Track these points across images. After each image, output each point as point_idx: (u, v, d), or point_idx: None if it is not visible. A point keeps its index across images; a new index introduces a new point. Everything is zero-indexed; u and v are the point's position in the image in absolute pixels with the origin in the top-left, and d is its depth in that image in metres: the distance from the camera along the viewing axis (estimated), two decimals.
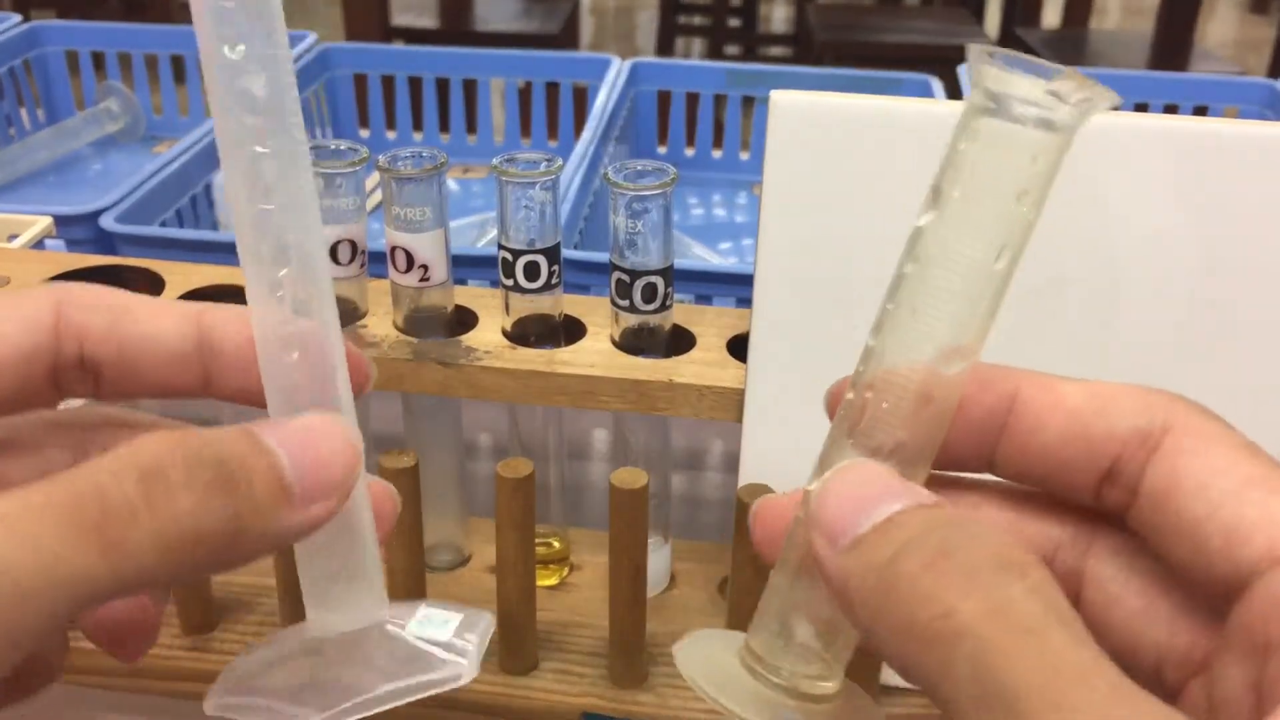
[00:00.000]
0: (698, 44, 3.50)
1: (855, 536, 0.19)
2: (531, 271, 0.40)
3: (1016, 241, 0.20)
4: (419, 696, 0.24)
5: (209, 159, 0.91)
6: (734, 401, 0.39)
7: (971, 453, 0.22)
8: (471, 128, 1.17)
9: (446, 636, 0.25)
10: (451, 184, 1.11)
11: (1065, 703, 0.15)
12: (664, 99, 1.13)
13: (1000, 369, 0.21)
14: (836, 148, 0.35)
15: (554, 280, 0.41)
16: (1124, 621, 0.21)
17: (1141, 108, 1.07)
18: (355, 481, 0.22)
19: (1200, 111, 1.07)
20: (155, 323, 0.24)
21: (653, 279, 0.40)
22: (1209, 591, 0.19)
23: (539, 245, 0.40)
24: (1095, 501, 0.21)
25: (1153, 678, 0.20)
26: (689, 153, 1.14)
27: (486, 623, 0.25)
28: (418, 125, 1.16)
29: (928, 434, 0.21)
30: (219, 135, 0.22)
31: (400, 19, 2.45)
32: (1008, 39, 2.68)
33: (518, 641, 0.43)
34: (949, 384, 0.20)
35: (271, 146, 0.21)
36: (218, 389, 0.24)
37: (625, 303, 0.40)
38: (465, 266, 0.71)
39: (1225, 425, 0.20)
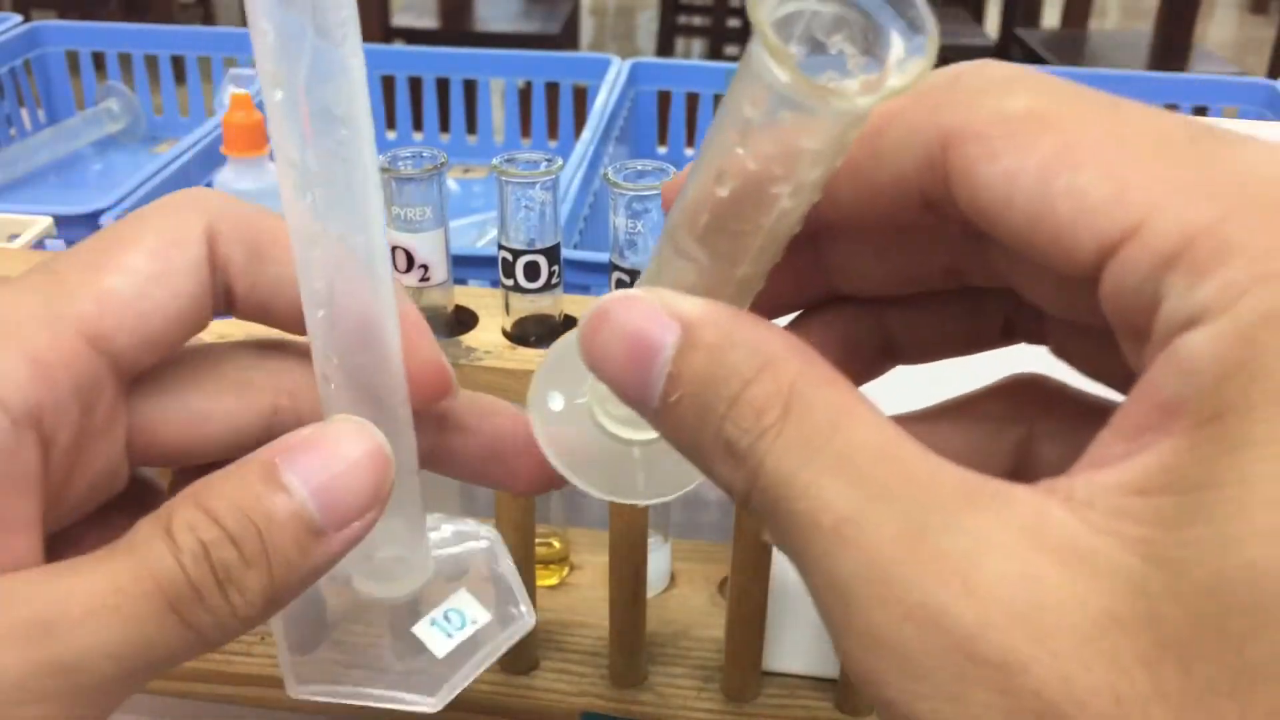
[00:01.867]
0: (698, 44, 3.50)
1: (653, 409, 0.18)
2: (531, 271, 0.40)
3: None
4: (500, 655, 0.24)
5: (209, 159, 0.91)
6: None
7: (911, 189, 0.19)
8: (471, 128, 1.17)
9: (483, 583, 0.25)
10: (451, 184, 1.11)
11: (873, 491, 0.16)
12: (664, 99, 1.13)
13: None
14: None
15: (554, 280, 0.41)
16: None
17: None
18: (388, 491, 0.21)
19: (1200, 112, 1.07)
20: (288, 267, 0.23)
21: None
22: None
23: (539, 245, 0.40)
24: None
25: None
26: (689, 153, 1.14)
27: (501, 549, 0.26)
28: (418, 125, 1.16)
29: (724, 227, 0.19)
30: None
31: (400, 19, 2.45)
32: (1007, 39, 2.68)
33: (518, 641, 0.43)
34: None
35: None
36: None
37: None
38: (465, 266, 0.71)
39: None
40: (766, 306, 0.21)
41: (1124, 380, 0.17)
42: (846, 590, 0.16)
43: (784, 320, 0.23)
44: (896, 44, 0.17)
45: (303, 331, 0.22)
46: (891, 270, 0.22)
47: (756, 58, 0.17)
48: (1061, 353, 0.22)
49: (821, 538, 0.16)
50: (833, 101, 0.16)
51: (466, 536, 0.27)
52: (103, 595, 0.19)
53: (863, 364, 0.23)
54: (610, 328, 0.19)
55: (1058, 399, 0.22)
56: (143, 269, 0.22)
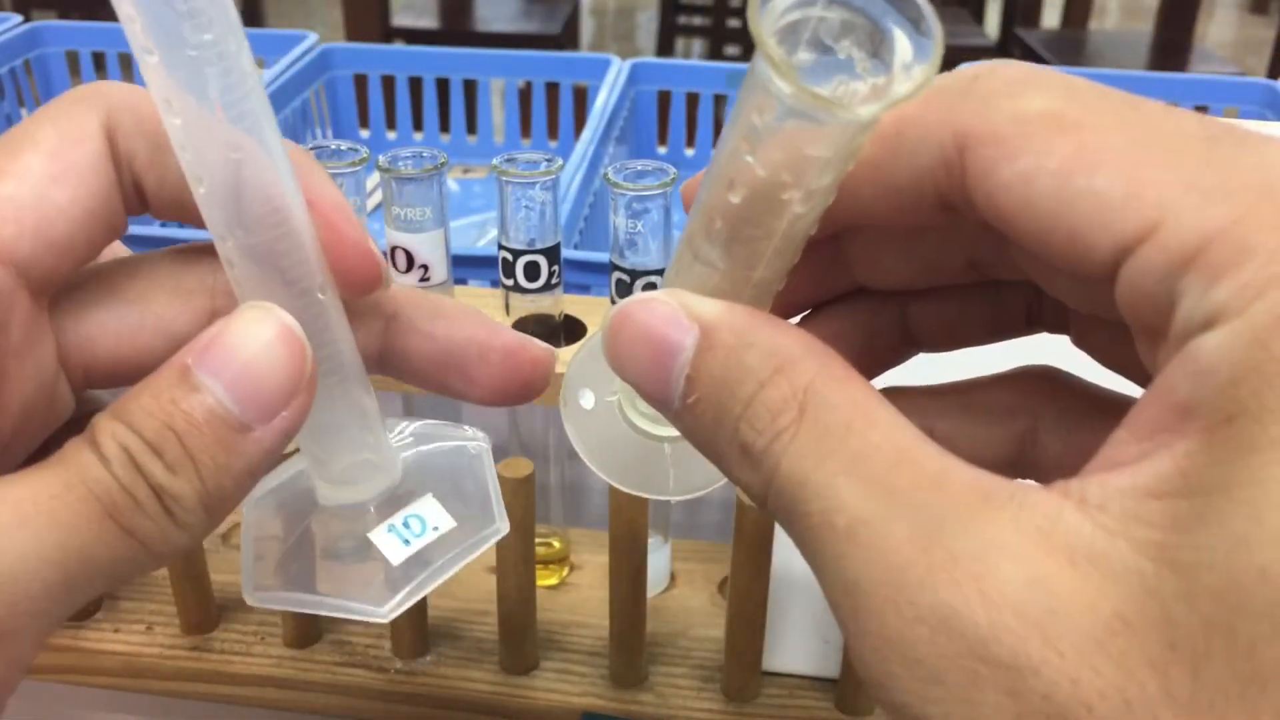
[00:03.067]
0: (698, 44, 3.50)
1: (673, 410, 0.19)
2: (531, 271, 0.40)
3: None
4: (471, 558, 0.23)
5: None
6: None
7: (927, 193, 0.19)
8: (471, 128, 1.17)
9: (460, 489, 0.24)
10: (451, 184, 1.11)
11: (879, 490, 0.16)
12: (664, 99, 1.13)
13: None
14: None
15: (554, 280, 0.41)
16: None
17: None
18: (309, 374, 0.20)
19: (1200, 111, 1.07)
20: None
21: (653, 279, 0.40)
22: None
23: (539, 245, 0.40)
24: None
25: None
26: (689, 153, 1.14)
27: (488, 458, 0.24)
28: (418, 125, 1.16)
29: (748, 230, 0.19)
30: None
31: (400, 19, 2.45)
32: (1007, 39, 2.68)
33: (518, 641, 0.43)
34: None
35: None
36: None
37: None
38: (465, 266, 0.71)
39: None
40: (789, 302, 0.21)
41: (1144, 372, 0.17)
42: (859, 592, 0.16)
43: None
44: (904, 47, 0.17)
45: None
46: (913, 265, 0.22)
47: (760, 68, 0.17)
48: (1082, 343, 0.22)
49: (835, 539, 0.16)
50: (837, 112, 0.16)
51: (453, 439, 0.25)
52: (34, 503, 0.18)
53: (884, 352, 0.23)
54: (631, 330, 0.19)
55: (1066, 391, 0.22)
56: (38, 170, 0.20)
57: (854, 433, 0.17)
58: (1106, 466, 0.16)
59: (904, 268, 0.22)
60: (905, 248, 0.21)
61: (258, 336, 0.20)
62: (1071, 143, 0.16)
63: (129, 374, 0.22)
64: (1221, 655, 0.14)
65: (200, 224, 0.21)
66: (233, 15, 0.19)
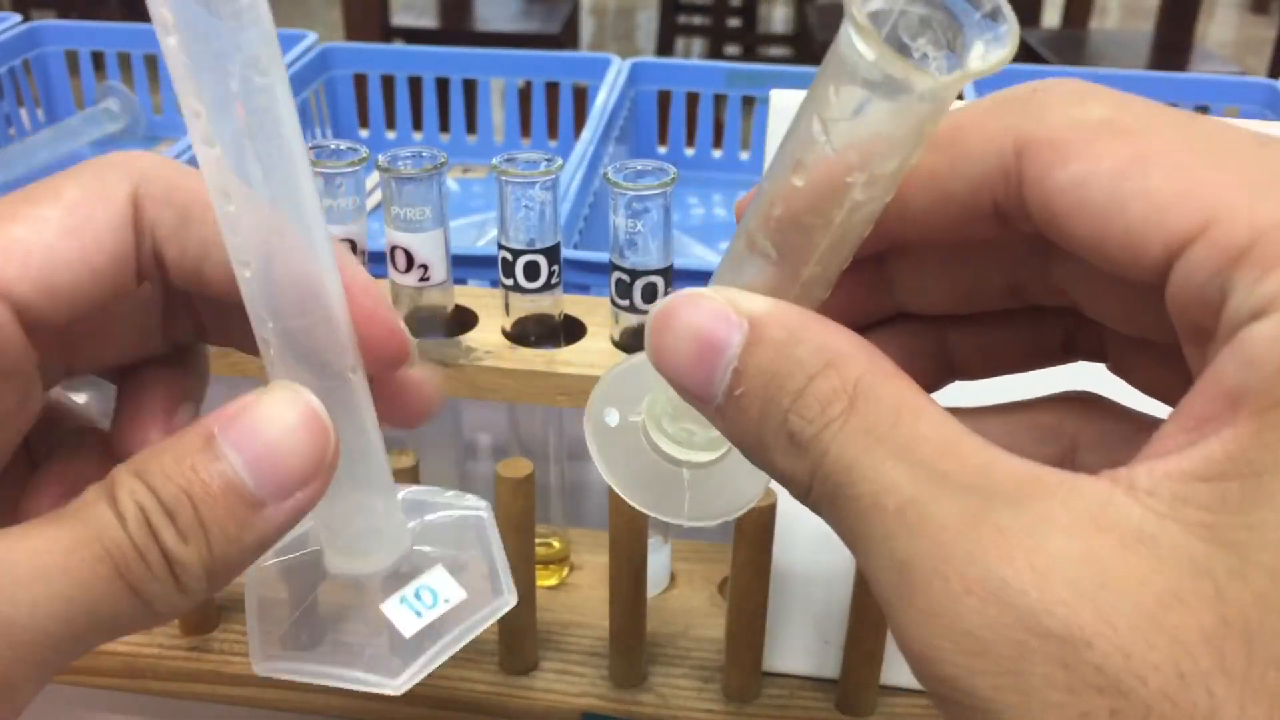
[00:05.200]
0: (698, 44, 3.50)
1: (716, 405, 0.19)
2: (531, 271, 0.40)
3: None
4: (474, 636, 0.24)
5: None
6: None
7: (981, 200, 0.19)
8: (471, 128, 1.17)
9: (466, 559, 0.24)
10: (451, 184, 1.11)
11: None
12: (664, 99, 1.13)
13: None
14: None
15: (554, 280, 0.41)
16: None
17: None
18: (330, 459, 0.21)
19: (1200, 111, 1.07)
20: (220, 249, 0.22)
21: (653, 279, 0.40)
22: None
23: (539, 245, 0.40)
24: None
25: None
26: (689, 153, 1.14)
27: (494, 530, 0.25)
28: (418, 125, 1.16)
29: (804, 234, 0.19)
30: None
31: (400, 19, 2.45)
32: None
33: (518, 641, 0.43)
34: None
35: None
36: None
37: (625, 303, 0.40)
38: (465, 266, 0.71)
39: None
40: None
41: (1181, 397, 0.17)
42: (908, 569, 0.16)
43: None
44: (977, 46, 0.17)
45: (238, 299, 0.21)
46: (955, 287, 0.22)
47: (844, 41, 0.17)
48: (1120, 369, 0.22)
49: (885, 520, 0.17)
50: (915, 79, 0.17)
51: (455, 507, 0.26)
52: (50, 555, 0.19)
53: (922, 379, 0.23)
54: (678, 326, 0.19)
55: (1107, 415, 0.22)
56: (54, 221, 0.21)
57: (903, 422, 0.17)
58: (1155, 455, 0.16)
59: (946, 290, 0.22)
60: (950, 269, 0.22)
61: (284, 418, 0.20)
62: (1126, 146, 0.17)
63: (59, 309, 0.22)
64: (1275, 629, 0.14)
65: (217, 293, 0.23)
66: (286, 99, 0.19)
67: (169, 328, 0.25)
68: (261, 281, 0.20)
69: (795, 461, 0.18)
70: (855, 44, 0.17)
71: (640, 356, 0.22)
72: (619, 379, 0.23)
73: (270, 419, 0.20)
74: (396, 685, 0.23)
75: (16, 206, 0.22)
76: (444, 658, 0.24)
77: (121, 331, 0.25)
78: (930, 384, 0.23)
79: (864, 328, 0.23)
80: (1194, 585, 0.14)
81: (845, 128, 0.18)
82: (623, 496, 0.23)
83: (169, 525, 0.19)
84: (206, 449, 0.20)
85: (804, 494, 0.18)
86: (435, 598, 0.24)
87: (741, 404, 0.18)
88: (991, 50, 0.17)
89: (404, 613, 0.24)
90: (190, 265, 0.23)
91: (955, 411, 0.22)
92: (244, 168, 0.19)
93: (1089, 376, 0.23)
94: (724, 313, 0.19)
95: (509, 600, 0.25)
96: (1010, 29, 0.17)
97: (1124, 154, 0.17)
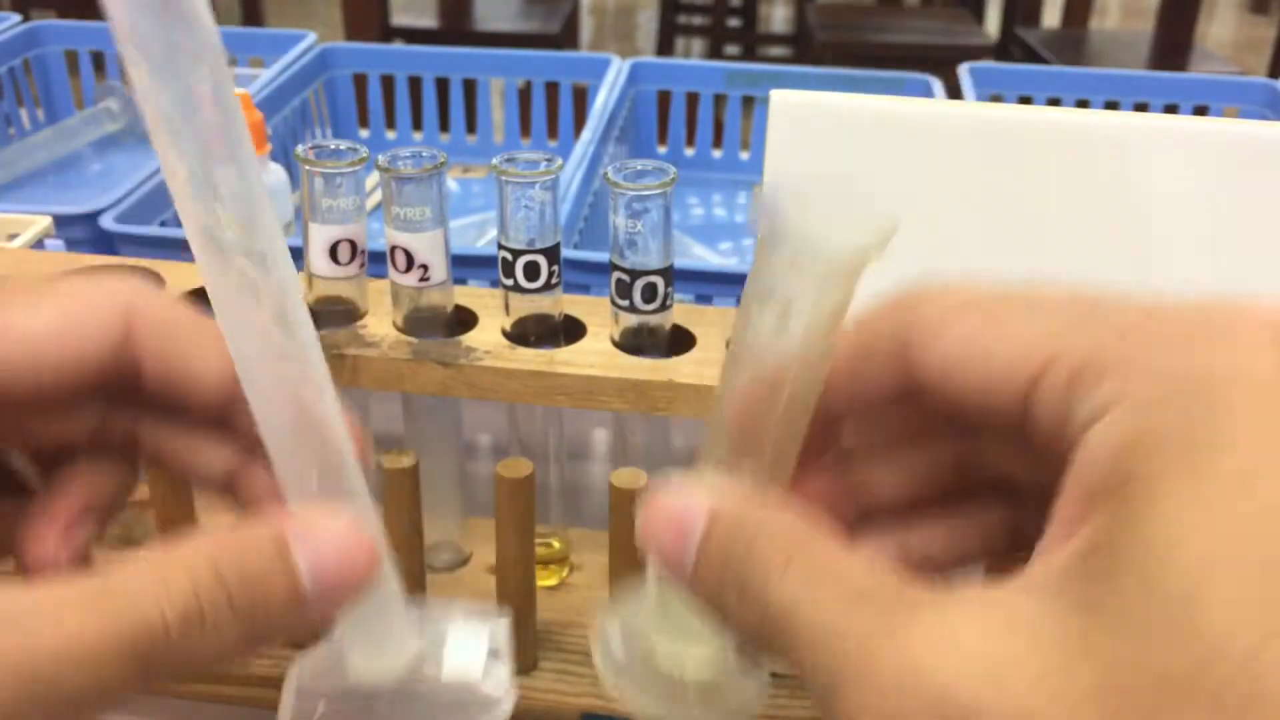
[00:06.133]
0: (698, 44, 3.50)
1: (687, 578, 0.22)
2: (531, 271, 0.40)
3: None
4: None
5: None
6: None
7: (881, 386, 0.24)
8: (471, 128, 1.17)
9: (481, 659, 0.26)
10: (451, 184, 1.11)
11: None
12: (664, 99, 1.13)
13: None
14: (836, 147, 0.35)
15: (554, 280, 0.41)
16: None
17: (1141, 108, 1.07)
18: (374, 582, 0.23)
19: (1200, 111, 1.07)
20: (202, 363, 0.26)
21: (653, 279, 0.40)
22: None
23: (539, 245, 0.40)
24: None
25: None
26: (689, 153, 1.14)
27: (506, 633, 0.27)
28: (418, 125, 1.16)
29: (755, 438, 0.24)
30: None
31: (400, 19, 2.45)
32: (1007, 39, 2.68)
33: (518, 641, 0.43)
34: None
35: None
36: (245, 433, 0.26)
37: (625, 303, 0.40)
38: (465, 266, 0.71)
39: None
40: None
41: None
42: (839, 675, 0.19)
43: None
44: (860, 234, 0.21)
45: (208, 417, 0.26)
46: (907, 474, 0.26)
47: (765, 228, 0.21)
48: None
49: (820, 639, 0.20)
50: (825, 251, 0.21)
51: (464, 614, 0.27)
52: (84, 640, 0.20)
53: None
54: (658, 514, 0.23)
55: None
56: (46, 316, 0.25)
57: (833, 568, 0.20)
58: (1040, 556, 0.19)
59: (900, 478, 0.26)
60: (898, 457, 0.26)
61: (352, 545, 0.23)
62: (981, 316, 0.21)
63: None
64: (1149, 680, 0.16)
65: (189, 409, 0.26)
66: (282, 249, 0.22)
67: (107, 431, 0.28)
68: (310, 435, 0.24)
69: (747, 611, 0.21)
70: (776, 226, 0.21)
71: (633, 604, 0.26)
72: (625, 597, 0.27)
73: (342, 543, 0.23)
74: (509, 699, 0.26)
75: (14, 295, 0.25)
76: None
77: (62, 419, 0.27)
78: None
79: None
80: (1078, 651, 0.17)
81: (771, 337, 0.22)
82: (630, 708, 0.26)
83: (228, 609, 0.21)
84: (283, 554, 0.22)
85: (758, 635, 0.21)
86: (472, 637, 0.27)
87: (704, 574, 0.22)
88: (870, 247, 0.21)
89: (462, 655, 0.26)
90: (169, 394, 0.26)
91: (908, 512, 0.26)
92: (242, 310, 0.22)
93: None
94: (689, 505, 0.22)
95: (507, 707, 0.26)
96: (890, 222, 0.21)
97: (979, 322, 0.21)
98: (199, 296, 0.45)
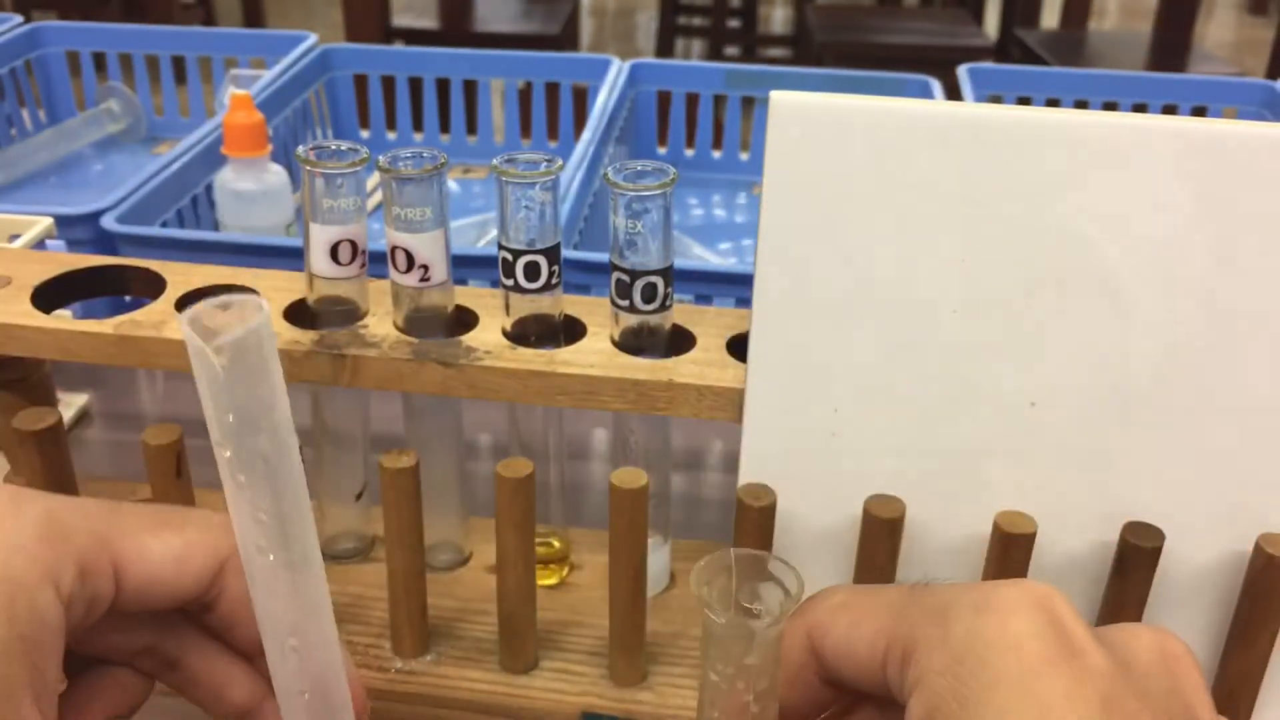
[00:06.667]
0: (697, 45, 3.50)
1: None
2: (531, 271, 0.40)
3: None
4: None
5: (209, 159, 0.91)
6: (734, 401, 0.39)
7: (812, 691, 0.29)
8: (471, 128, 1.17)
9: None
10: (451, 184, 1.11)
11: None
12: (664, 99, 1.13)
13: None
14: (836, 148, 0.35)
15: (554, 280, 0.41)
16: None
17: (1140, 108, 1.07)
18: None
19: (1199, 112, 1.07)
20: (177, 579, 0.28)
21: (653, 279, 0.40)
22: None
23: (539, 245, 0.40)
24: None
25: None
26: (689, 153, 1.14)
27: None
28: (418, 126, 1.16)
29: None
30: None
31: (400, 20, 2.45)
32: (1007, 40, 2.68)
33: (518, 641, 0.43)
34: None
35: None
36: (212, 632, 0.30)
37: (625, 303, 0.40)
38: (465, 266, 0.71)
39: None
40: None
41: None
42: None
43: None
44: (774, 598, 0.26)
45: (249, 652, 0.30)
46: None
47: (708, 617, 0.26)
48: None
49: None
50: (751, 627, 0.26)
51: None
52: None
53: None
54: None
55: None
56: (174, 547, 0.28)
57: None
58: None
59: None
60: None
61: None
62: (849, 616, 0.27)
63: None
64: None
65: (233, 642, 0.30)
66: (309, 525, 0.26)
67: (153, 650, 0.30)
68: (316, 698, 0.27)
69: None
70: (714, 618, 0.26)
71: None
72: None
73: None
74: None
75: (159, 522, 0.28)
76: None
77: (124, 632, 0.30)
78: None
79: None
80: None
81: (730, 671, 0.26)
82: None
83: None
84: None
85: None
86: None
87: None
88: (788, 602, 0.26)
89: None
90: (239, 617, 0.29)
91: None
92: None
93: None
94: None
95: None
96: (798, 590, 0.26)
97: (847, 621, 0.27)
98: (198, 297, 0.45)
